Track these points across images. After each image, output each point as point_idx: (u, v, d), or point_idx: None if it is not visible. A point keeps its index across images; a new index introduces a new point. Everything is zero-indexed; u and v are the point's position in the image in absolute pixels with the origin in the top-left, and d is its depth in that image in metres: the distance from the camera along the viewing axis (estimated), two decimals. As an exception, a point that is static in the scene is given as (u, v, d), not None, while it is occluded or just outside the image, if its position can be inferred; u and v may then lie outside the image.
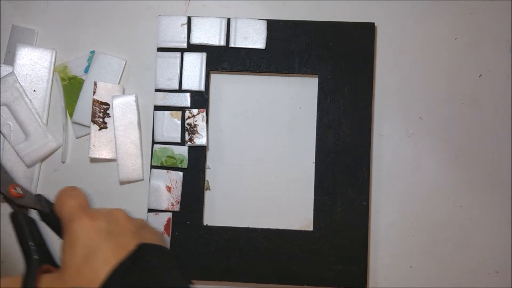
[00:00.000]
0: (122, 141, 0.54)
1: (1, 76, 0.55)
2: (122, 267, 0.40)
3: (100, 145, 0.54)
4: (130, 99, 0.54)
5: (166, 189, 0.54)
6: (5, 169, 0.52)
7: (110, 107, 0.54)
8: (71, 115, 0.55)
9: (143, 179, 0.55)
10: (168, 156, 0.54)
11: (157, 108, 0.54)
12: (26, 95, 0.55)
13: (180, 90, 0.54)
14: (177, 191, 0.54)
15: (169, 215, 0.53)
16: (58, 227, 0.45)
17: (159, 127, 0.54)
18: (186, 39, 0.54)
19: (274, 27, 0.54)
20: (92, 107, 0.54)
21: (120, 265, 0.40)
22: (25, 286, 0.40)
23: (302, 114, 0.55)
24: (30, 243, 0.44)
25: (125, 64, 0.56)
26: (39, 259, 0.43)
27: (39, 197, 0.50)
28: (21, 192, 0.48)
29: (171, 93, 0.54)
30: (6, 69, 0.55)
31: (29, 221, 0.46)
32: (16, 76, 0.55)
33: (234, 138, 0.55)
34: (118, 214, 0.45)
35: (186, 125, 0.54)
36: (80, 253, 0.41)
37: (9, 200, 0.47)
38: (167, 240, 0.53)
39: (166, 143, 0.54)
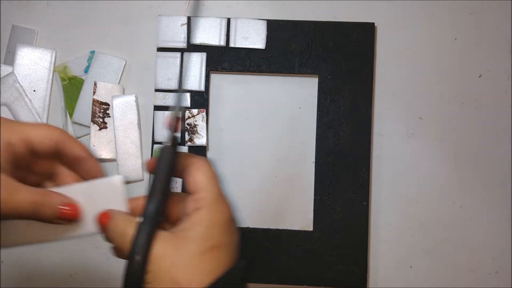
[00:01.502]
0: (122, 141, 0.54)
1: (1, 76, 0.55)
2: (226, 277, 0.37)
3: (100, 145, 0.54)
4: (130, 99, 0.54)
5: (166, 189, 0.53)
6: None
7: (110, 107, 0.54)
8: (71, 115, 0.55)
9: (143, 179, 0.55)
10: (168, 156, 0.54)
11: (157, 108, 0.54)
12: (26, 95, 0.55)
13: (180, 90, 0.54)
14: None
15: (169, 215, 0.53)
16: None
17: (159, 127, 0.54)
18: (186, 39, 0.54)
19: (274, 27, 0.54)
20: (92, 107, 0.54)
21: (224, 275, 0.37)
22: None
23: (302, 114, 0.55)
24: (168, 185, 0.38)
25: (125, 64, 0.56)
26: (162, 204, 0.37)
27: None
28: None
29: (171, 93, 0.54)
30: (6, 69, 0.55)
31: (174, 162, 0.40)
32: (16, 76, 0.55)
33: (234, 138, 0.55)
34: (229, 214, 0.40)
35: (186, 125, 0.54)
36: (220, 236, 0.37)
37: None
38: None
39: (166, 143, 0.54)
